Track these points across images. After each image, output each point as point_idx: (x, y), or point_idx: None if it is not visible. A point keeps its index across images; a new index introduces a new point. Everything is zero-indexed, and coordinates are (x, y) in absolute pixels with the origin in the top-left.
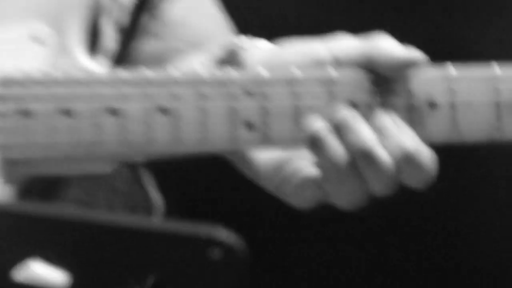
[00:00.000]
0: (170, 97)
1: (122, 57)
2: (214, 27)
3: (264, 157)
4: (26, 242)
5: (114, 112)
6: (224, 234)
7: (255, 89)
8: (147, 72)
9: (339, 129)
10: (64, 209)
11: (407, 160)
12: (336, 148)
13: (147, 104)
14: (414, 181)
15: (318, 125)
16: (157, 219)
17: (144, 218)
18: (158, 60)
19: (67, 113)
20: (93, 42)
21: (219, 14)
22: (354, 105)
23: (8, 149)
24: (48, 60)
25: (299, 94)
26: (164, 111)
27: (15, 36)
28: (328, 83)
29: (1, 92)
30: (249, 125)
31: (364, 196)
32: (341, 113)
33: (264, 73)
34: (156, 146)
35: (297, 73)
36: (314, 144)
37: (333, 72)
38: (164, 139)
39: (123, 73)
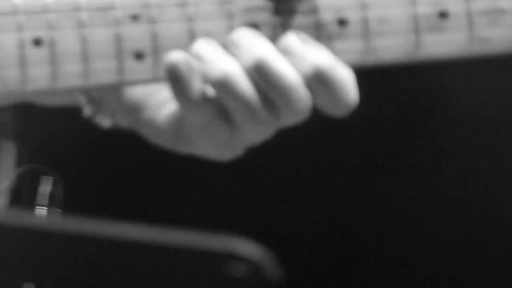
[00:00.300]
0: (45, 26)
1: None
2: None
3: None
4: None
5: None
6: (248, 248)
7: (141, 12)
8: (17, 1)
9: (233, 46)
10: (78, 223)
11: (319, 77)
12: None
13: (20, 36)
14: (333, 105)
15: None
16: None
17: (154, 229)
18: None
19: None
20: None
21: None
22: (255, 25)
23: None
24: None
25: (191, 15)
26: (39, 42)
27: None
28: (224, 2)
29: None
30: (138, 54)
31: (274, 127)
32: (237, 33)
33: None
34: (33, 83)
35: None
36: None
37: None
38: (41, 74)
39: None
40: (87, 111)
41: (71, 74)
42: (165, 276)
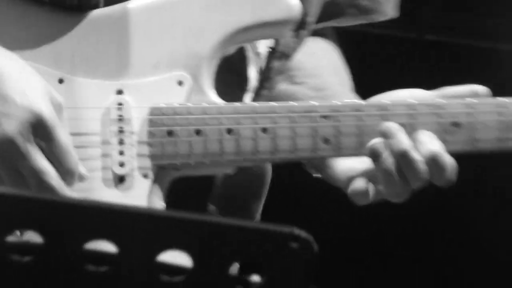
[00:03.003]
0: (270, 121)
1: (260, 92)
2: (338, 79)
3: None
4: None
5: (230, 131)
6: (300, 232)
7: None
8: (255, 104)
9: (386, 136)
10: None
11: (435, 161)
12: (386, 154)
13: (254, 125)
14: (440, 180)
15: (376, 140)
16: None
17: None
18: (289, 98)
19: (198, 132)
20: (243, 85)
21: (343, 66)
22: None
23: (158, 158)
24: (186, 97)
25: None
26: (265, 130)
27: (167, 80)
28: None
29: (152, 118)
30: (326, 140)
31: (407, 192)
32: (387, 124)
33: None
34: (259, 155)
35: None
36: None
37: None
38: (265, 149)
39: (238, 104)
40: None
41: (284, 151)
42: (252, 248)
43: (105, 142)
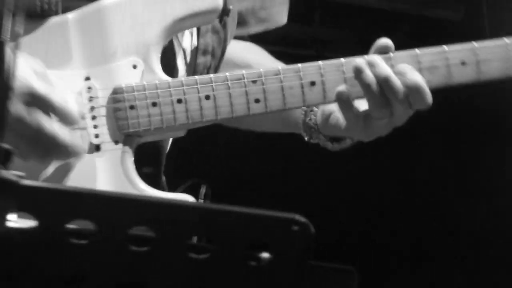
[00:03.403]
0: (210, 89)
1: None
2: (268, 61)
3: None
4: None
5: (179, 101)
6: (300, 217)
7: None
8: (196, 77)
9: (371, 65)
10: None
11: (418, 89)
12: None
13: (199, 94)
14: (420, 105)
15: (358, 60)
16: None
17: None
18: None
19: (155, 104)
20: (172, 75)
21: (267, 54)
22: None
23: (125, 128)
24: (140, 77)
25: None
26: (207, 97)
27: (124, 64)
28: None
29: (116, 97)
30: (257, 100)
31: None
32: (370, 56)
33: None
34: (205, 118)
35: None
36: (357, 74)
37: None
38: (210, 113)
39: (183, 78)
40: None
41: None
42: (256, 230)
43: (82, 119)
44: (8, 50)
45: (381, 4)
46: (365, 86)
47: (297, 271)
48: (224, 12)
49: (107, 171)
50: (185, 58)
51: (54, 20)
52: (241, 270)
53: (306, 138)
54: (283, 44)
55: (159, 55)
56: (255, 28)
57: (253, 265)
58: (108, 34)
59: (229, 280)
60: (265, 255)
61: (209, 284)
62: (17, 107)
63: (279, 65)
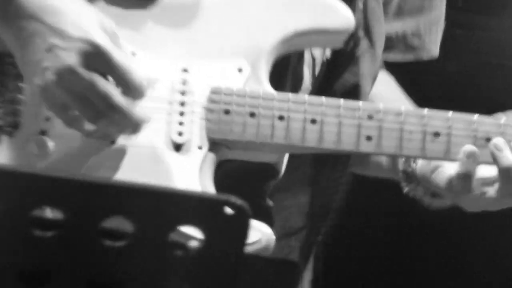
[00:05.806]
0: (320, 113)
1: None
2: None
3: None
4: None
5: (281, 118)
6: (236, 199)
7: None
8: (305, 96)
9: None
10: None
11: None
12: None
13: (304, 116)
14: None
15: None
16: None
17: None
18: None
19: (253, 115)
20: (296, 84)
21: (396, 86)
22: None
23: (214, 133)
24: (244, 83)
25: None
26: (313, 121)
27: (229, 66)
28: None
29: (212, 96)
30: (368, 137)
31: None
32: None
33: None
34: (306, 143)
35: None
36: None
37: None
38: (312, 139)
39: (291, 95)
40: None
41: (329, 142)
42: (194, 214)
43: (168, 112)
44: None
45: None
46: (504, 170)
47: (230, 262)
48: (353, 38)
49: (180, 172)
50: (312, 67)
51: (166, 1)
52: (163, 261)
53: (405, 189)
54: None
55: (269, 67)
56: (402, 56)
57: (179, 254)
58: (220, 29)
59: (148, 272)
60: (194, 243)
61: (125, 276)
62: (71, 56)
63: (403, 104)
